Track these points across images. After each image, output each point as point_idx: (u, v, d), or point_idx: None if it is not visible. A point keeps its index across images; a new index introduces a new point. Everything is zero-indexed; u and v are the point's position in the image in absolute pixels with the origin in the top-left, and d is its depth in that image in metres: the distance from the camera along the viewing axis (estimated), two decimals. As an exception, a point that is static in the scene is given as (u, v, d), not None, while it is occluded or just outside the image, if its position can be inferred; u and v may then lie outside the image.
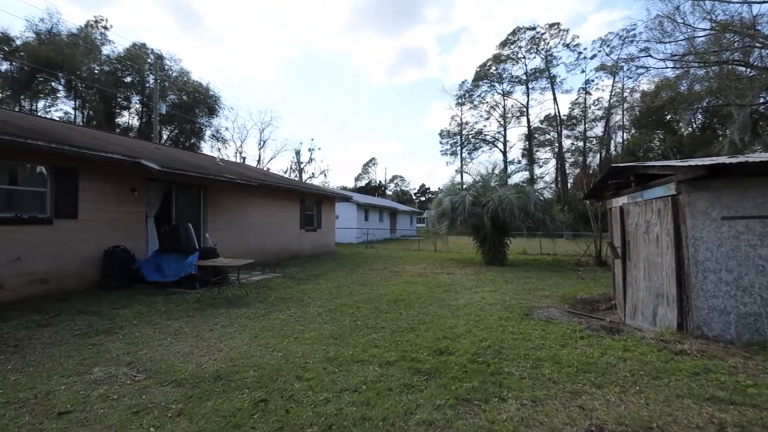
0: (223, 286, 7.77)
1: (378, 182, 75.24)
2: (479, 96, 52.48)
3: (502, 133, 52.32)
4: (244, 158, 46.87)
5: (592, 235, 14.61)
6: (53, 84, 37.04)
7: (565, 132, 48.61)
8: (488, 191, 13.45)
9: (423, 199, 79.77)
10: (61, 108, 38.58)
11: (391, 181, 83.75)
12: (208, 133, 45.26)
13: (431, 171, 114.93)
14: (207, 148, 45.13)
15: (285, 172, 51.90)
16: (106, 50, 39.08)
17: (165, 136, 41.17)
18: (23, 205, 6.87)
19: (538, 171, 49.76)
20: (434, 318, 5.72)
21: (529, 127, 49.92)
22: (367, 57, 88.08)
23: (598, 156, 46.21)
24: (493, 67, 50.00)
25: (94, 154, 7.29)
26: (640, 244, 5.61)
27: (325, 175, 54.49)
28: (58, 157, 7.05)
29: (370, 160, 79.37)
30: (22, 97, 35.94)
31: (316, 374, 3.54)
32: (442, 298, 7.21)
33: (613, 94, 44.34)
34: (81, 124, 34.39)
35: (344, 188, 60.75)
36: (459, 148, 55.32)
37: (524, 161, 50.87)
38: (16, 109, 30.55)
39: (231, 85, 72.72)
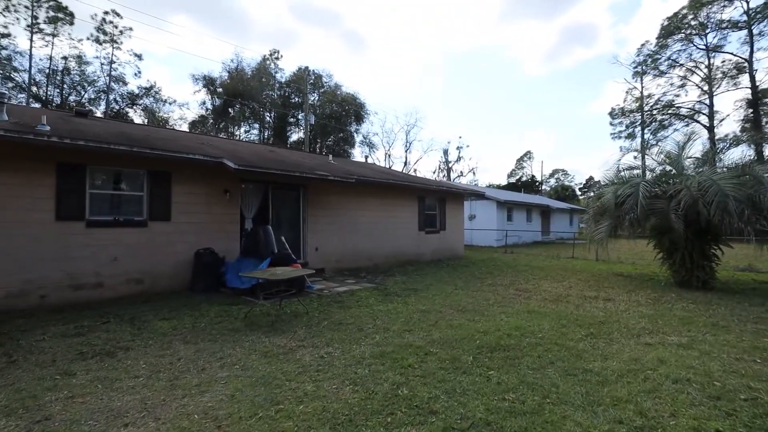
0: (294, 298, 6.69)
1: (531, 177, 67.38)
2: (668, 59, 40.59)
3: (707, 102, 39.12)
4: (368, 159, 48.30)
5: None
6: (246, 112, 45.75)
7: (823, 89, 32.94)
8: (679, 177, 9.04)
9: (591, 194, 67.52)
10: (251, 131, 47.45)
11: (551, 175, 73.78)
12: (358, 139, 48.50)
13: (602, 161, 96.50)
14: (358, 154, 48.36)
15: (433, 173, 51.31)
16: (278, 76, 46.20)
17: (323, 145, 45.94)
18: (122, 208, 7.21)
19: (771, 149, 35.17)
20: (545, 401, 3.10)
21: (754, 88, 35.77)
22: (522, 45, 79.38)
23: None
24: (690, 16, 37.81)
25: (176, 155, 7.19)
26: None
27: (474, 173, 51.54)
28: (151, 161, 7.20)
29: (525, 154, 71.67)
30: (229, 125, 45.52)
31: None
32: (579, 352, 4.30)
33: None
34: (262, 142, 41.13)
35: (495, 185, 56.36)
36: (639, 127, 44.08)
37: (745, 136, 36.83)
38: (221, 135, 38.83)
39: (379, 90, 76.31)
